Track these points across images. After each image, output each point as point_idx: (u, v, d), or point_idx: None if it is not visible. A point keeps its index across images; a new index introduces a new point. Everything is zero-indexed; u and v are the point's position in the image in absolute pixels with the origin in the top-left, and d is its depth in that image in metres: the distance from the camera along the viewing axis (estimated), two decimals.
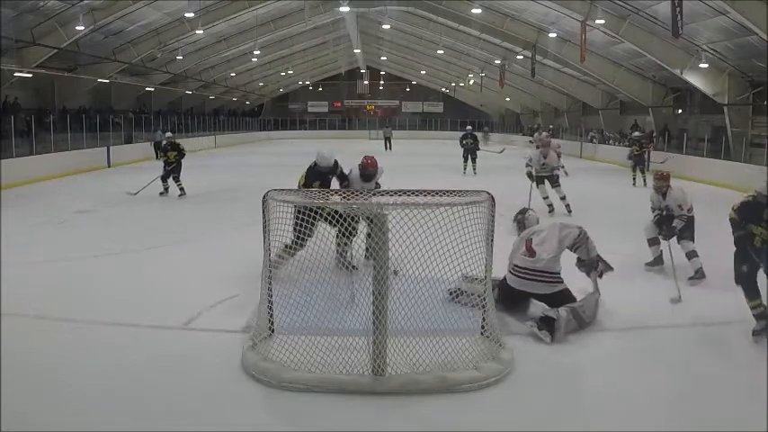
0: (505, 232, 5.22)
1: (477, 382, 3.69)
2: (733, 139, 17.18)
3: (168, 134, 12.92)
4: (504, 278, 5.03)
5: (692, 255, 6.24)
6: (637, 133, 17.06)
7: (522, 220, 5.34)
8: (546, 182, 9.99)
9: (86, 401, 3.51)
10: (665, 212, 6.52)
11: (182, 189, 11.94)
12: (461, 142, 16.90)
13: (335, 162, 6.38)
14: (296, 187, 6.36)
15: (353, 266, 5.28)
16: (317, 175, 6.25)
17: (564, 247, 4.99)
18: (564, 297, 4.81)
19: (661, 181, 6.61)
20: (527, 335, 4.52)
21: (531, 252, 4.88)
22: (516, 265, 4.93)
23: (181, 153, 11.94)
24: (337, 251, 5.27)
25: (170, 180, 11.96)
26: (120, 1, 17.72)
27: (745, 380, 3.80)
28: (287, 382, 3.67)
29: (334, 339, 3.97)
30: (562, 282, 4.88)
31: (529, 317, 4.77)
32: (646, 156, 15.54)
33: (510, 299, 5.01)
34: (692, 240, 6.37)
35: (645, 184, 14.30)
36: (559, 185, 10.05)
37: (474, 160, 16.69)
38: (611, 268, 5.24)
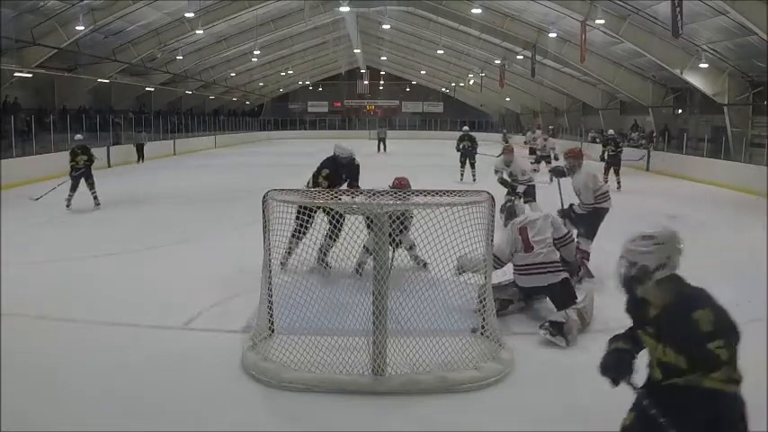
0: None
1: (477, 382, 3.69)
2: (733, 139, 17.17)
3: (78, 136, 11.20)
4: (514, 281, 5.02)
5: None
6: (611, 131, 15.29)
7: (511, 209, 5.22)
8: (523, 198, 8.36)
9: (86, 401, 3.51)
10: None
11: (96, 198, 10.54)
12: (458, 146, 15.11)
13: (354, 159, 6.40)
14: (307, 180, 6.47)
15: (329, 266, 5.50)
16: (331, 164, 6.32)
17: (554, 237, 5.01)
18: (568, 285, 4.84)
19: (571, 159, 6.12)
20: (529, 334, 4.53)
21: (529, 247, 4.86)
22: (518, 265, 4.90)
23: (91, 159, 10.53)
24: (322, 249, 5.41)
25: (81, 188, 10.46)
26: (120, 1, 17.72)
27: (745, 380, 3.79)
28: (287, 382, 3.67)
29: (334, 339, 3.97)
30: (563, 269, 4.90)
31: (540, 320, 4.77)
32: (622, 156, 14.30)
33: (526, 297, 5.06)
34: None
35: (618, 188, 13.34)
36: (533, 200, 8.44)
37: (473, 165, 14.99)
38: (591, 276, 5.24)
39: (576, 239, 5.46)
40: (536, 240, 4.86)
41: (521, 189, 8.51)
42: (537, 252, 4.82)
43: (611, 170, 14.01)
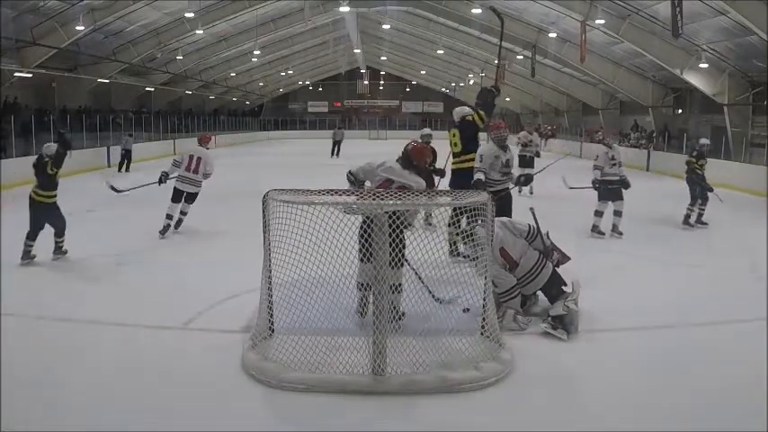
0: None
1: (477, 382, 3.69)
2: (733, 139, 17.18)
3: None
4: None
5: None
6: (705, 140, 10.36)
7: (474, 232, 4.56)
8: None
9: (86, 401, 3.51)
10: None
11: None
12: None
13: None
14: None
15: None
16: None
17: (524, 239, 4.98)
18: (555, 274, 4.88)
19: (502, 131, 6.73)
20: (530, 334, 4.53)
21: (514, 264, 4.84)
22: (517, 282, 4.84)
23: None
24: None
25: None
26: (120, 1, 17.73)
27: (745, 380, 3.79)
28: (287, 382, 3.67)
29: (334, 339, 3.97)
30: (546, 261, 4.89)
31: (542, 315, 4.79)
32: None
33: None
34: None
35: (701, 220, 9.37)
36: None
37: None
38: (567, 258, 5.20)
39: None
40: (517, 254, 4.84)
41: None
42: (522, 264, 4.83)
43: (700, 198, 9.39)
